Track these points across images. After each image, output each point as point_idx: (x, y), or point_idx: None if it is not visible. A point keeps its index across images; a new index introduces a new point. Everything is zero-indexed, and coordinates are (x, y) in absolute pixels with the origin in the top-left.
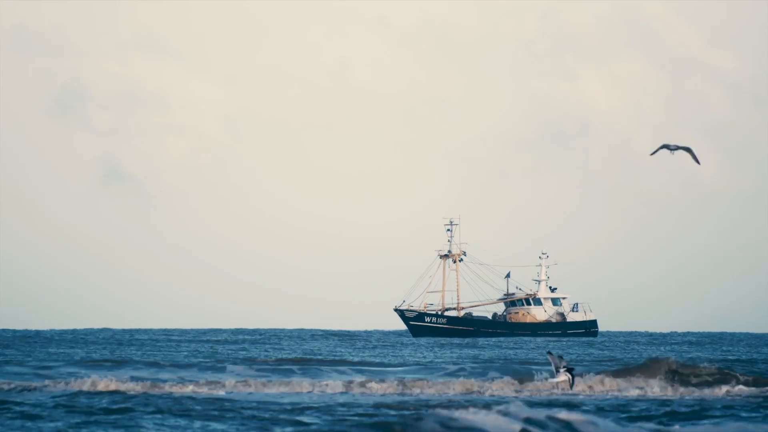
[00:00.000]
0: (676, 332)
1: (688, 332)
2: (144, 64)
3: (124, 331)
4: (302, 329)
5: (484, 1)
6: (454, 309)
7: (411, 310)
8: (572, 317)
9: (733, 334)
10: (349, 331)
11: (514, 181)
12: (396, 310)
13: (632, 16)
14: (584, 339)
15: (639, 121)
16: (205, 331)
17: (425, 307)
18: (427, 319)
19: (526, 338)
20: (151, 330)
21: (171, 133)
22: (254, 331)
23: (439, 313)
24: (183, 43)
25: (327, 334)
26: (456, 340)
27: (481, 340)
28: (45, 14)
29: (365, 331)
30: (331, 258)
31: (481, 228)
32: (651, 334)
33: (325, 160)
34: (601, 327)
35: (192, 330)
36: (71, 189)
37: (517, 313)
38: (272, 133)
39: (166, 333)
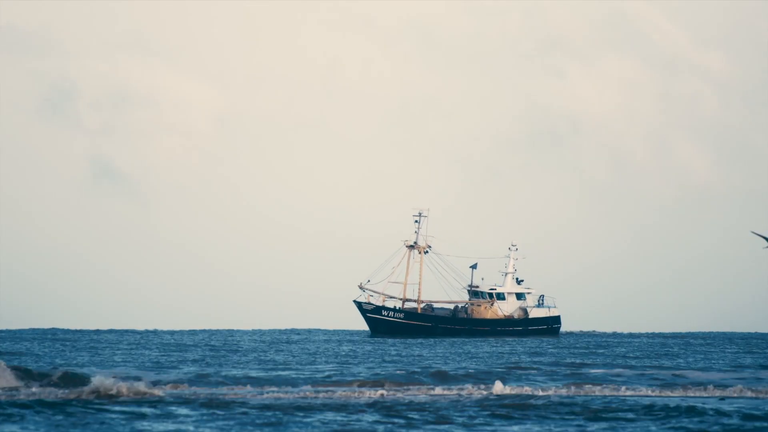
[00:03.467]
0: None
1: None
2: (134, 64)
3: (114, 332)
4: (296, 329)
5: (472, 0)
6: (415, 301)
7: (369, 303)
8: (535, 313)
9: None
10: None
11: (505, 181)
12: (355, 302)
13: (621, 16)
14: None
15: (630, 120)
16: (196, 332)
17: (384, 300)
18: (385, 312)
19: (489, 337)
20: (139, 331)
21: (163, 132)
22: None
23: (398, 307)
24: (173, 42)
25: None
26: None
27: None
28: (33, 14)
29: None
30: (325, 257)
31: (464, 226)
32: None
33: (317, 159)
34: (567, 324)
35: (187, 331)
36: (63, 188)
37: (480, 306)
38: (264, 133)
39: (155, 334)
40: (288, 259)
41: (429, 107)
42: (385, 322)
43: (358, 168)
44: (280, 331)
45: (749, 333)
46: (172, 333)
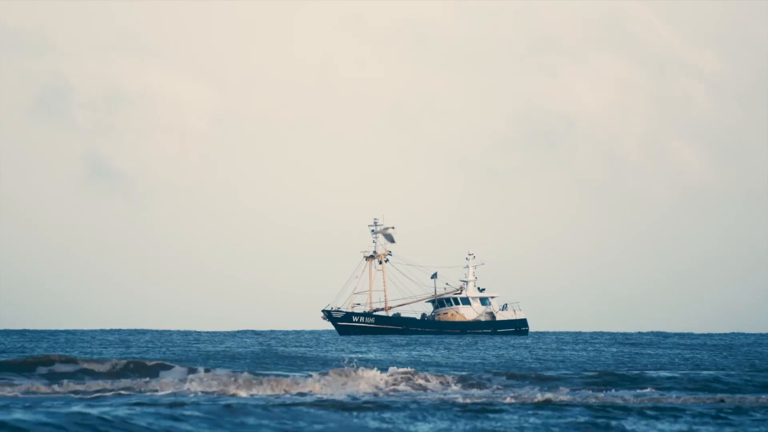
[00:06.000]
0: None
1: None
2: (128, 64)
3: (112, 331)
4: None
5: (466, 0)
6: (382, 309)
7: (338, 311)
8: (502, 316)
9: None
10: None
11: (502, 181)
12: (324, 311)
13: (615, 16)
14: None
15: (625, 121)
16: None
17: (352, 307)
18: (355, 318)
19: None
20: (138, 331)
21: (158, 132)
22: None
23: (367, 311)
24: (167, 42)
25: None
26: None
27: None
28: (27, 14)
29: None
30: (322, 257)
31: (463, 226)
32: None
33: (312, 159)
34: (532, 327)
35: (182, 331)
36: (58, 188)
37: (446, 313)
38: (259, 133)
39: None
40: (284, 259)
41: (424, 108)
42: (356, 328)
43: (354, 168)
44: (282, 332)
45: (745, 333)
46: (171, 333)
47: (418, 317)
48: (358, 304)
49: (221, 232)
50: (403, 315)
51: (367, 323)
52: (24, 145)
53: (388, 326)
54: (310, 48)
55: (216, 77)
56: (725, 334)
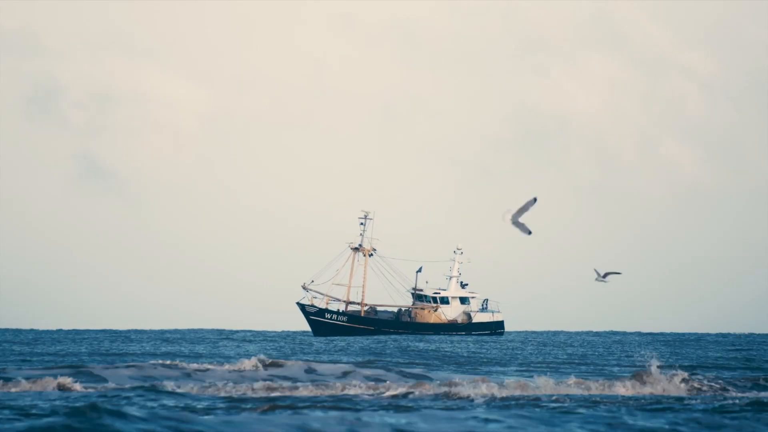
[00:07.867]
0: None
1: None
2: (120, 63)
3: (109, 331)
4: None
5: (459, 1)
6: (359, 304)
7: (312, 306)
8: (479, 318)
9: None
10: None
11: (496, 181)
12: (298, 304)
13: (607, 16)
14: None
15: (617, 120)
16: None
17: (327, 303)
18: (328, 315)
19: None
20: (135, 330)
21: (150, 131)
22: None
23: (341, 310)
24: (160, 41)
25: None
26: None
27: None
28: (18, 14)
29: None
30: (319, 255)
31: (460, 227)
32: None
33: (306, 158)
34: (510, 326)
35: (181, 330)
36: (51, 188)
37: (423, 310)
38: (253, 131)
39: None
40: (281, 258)
41: (415, 108)
42: (328, 325)
43: (348, 167)
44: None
45: (738, 334)
46: (163, 332)
47: (395, 311)
48: (335, 299)
49: (216, 230)
50: (380, 309)
51: (339, 321)
52: (17, 145)
53: (361, 326)
54: (302, 47)
55: (208, 76)
56: (721, 335)
